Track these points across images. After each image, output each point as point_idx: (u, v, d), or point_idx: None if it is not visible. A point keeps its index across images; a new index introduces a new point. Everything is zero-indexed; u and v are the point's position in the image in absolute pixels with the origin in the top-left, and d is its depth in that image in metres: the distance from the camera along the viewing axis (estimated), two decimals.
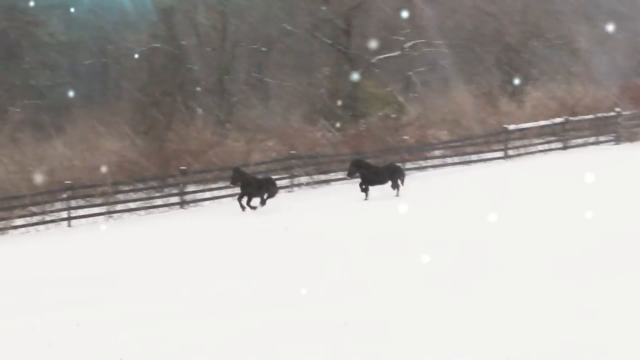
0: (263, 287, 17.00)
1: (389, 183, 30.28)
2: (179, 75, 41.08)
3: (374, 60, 42.64)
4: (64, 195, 33.14)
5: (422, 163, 37.54)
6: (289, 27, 43.66)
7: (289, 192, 34.88)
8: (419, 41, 43.61)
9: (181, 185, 34.29)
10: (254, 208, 29.67)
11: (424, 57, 44.78)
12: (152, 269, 20.85)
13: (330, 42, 42.38)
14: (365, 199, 29.67)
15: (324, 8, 42.41)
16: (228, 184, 31.73)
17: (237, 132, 39.84)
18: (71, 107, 42.72)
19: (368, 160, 32.49)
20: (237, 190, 30.96)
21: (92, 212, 33.21)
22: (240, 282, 17.88)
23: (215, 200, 32.70)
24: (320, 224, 25.27)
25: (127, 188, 34.60)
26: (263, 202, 29.65)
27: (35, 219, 32.88)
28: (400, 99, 42.56)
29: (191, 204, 33.66)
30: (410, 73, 44.78)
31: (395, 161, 33.80)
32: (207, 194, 33.84)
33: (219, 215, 29.46)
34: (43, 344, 14.00)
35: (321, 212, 28.00)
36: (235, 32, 43.08)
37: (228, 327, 14.02)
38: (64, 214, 32.82)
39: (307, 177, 35.51)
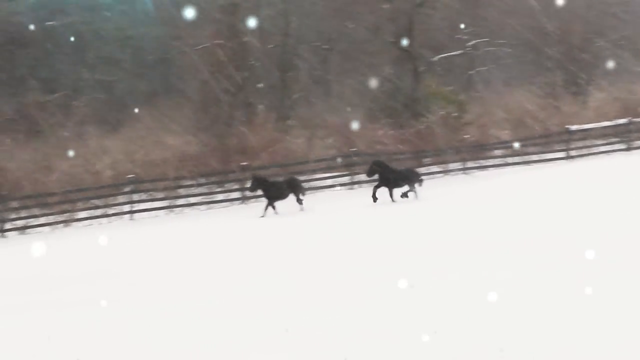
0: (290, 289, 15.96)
1: (405, 187, 29.56)
2: (241, 72, 41.34)
3: (435, 59, 42.58)
4: (127, 189, 33.63)
5: (483, 162, 37.52)
6: (352, 25, 43.73)
7: (350, 189, 34.98)
8: (481, 40, 43.44)
9: (242, 180, 34.61)
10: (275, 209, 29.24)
11: (486, 56, 44.59)
12: (200, 266, 20.28)
13: (392, 40, 42.37)
14: (374, 202, 28.56)
15: (386, 6, 42.42)
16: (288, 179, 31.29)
17: (298, 128, 40.06)
18: (135, 102, 43.18)
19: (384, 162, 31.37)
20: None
21: (154, 206, 33.70)
22: (257, 284, 16.78)
23: None
24: (371, 224, 24.63)
25: (188, 183, 35.00)
26: (299, 201, 29.27)
27: (98, 212, 33.42)
28: (462, 97, 42.44)
29: (252, 200, 33.87)
30: (472, 72, 44.62)
31: (455, 160, 33.56)
32: None
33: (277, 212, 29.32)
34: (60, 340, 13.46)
35: (375, 211, 27.66)
36: (298, 30, 43.29)
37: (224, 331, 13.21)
38: (127, 208, 33.32)
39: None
